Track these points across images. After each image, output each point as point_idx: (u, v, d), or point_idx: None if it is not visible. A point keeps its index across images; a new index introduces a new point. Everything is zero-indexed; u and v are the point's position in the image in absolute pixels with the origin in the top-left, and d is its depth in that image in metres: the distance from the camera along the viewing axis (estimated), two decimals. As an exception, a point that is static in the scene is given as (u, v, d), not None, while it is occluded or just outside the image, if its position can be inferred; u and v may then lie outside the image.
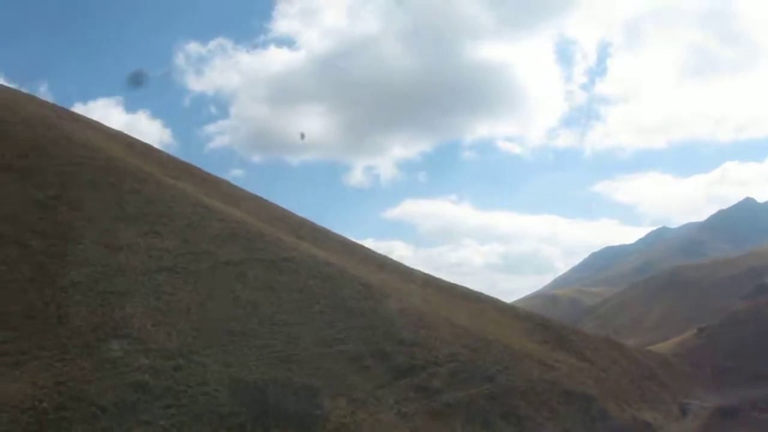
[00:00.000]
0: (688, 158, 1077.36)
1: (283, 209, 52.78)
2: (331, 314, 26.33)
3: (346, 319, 26.02)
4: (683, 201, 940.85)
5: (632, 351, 47.00)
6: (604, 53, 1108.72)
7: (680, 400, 39.27)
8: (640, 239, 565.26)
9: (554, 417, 23.83)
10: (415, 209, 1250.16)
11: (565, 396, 24.07)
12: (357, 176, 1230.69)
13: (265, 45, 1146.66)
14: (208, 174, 52.02)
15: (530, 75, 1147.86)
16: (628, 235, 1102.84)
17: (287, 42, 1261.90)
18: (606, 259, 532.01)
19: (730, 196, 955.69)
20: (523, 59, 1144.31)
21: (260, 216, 43.08)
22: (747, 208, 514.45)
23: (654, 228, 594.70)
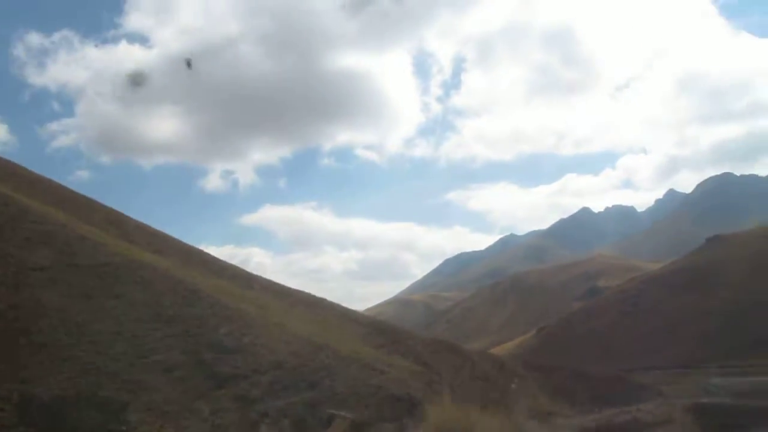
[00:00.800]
0: (533, 170, 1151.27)
1: (120, 213, 49.55)
2: (149, 322, 24.60)
3: (165, 327, 24.40)
4: (529, 210, 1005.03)
5: (470, 353, 48.24)
6: (459, 68, 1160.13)
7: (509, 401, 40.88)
8: (490, 246, 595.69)
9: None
10: (275, 215, 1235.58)
11: (390, 400, 24.03)
12: (214, 181, 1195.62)
13: (115, 40, 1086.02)
14: (37, 175, 47.83)
15: (389, 85, 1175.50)
16: (479, 241, 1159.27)
17: (140, 39, 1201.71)
18: (458, 265, 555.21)
19: (570, 205, 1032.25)
20: (382, 70, 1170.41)
21: (88, 219, 39.89)
22: (584, 217, 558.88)
23: (502, 235, 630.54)
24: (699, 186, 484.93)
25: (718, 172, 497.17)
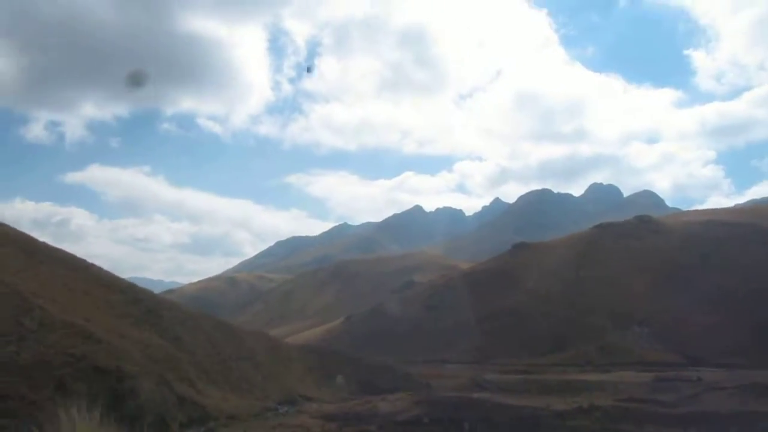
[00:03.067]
0: (375, 163, 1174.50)
1: None
2: None
3: None
4: (366, 201, 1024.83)
5: (243, 334, 46.43)
6: (313, 51, 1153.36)
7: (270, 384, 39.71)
8: (324, 232, 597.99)
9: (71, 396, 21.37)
10: (103, 176, 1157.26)
11: (93, 372, 21.77)
12: (36, 130, 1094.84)
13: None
14: None
15: (241, 59, 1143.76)
16: (315, 227, 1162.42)
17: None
18: (290, 248, 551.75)
19: (405, 202, 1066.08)
20: (235, 41, 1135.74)
21: None
22: (416, 214, 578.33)
23: (337, 223, 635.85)
24: (521, 198, 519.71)
25: (540, 187, 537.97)
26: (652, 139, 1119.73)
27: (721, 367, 74.56)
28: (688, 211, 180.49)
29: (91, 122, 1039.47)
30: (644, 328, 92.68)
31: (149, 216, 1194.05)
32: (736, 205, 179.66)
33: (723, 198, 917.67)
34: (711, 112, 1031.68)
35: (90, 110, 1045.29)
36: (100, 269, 40.79)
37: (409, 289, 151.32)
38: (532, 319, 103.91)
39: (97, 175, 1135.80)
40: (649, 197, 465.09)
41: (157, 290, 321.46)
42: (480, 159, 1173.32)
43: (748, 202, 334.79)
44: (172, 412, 23.45)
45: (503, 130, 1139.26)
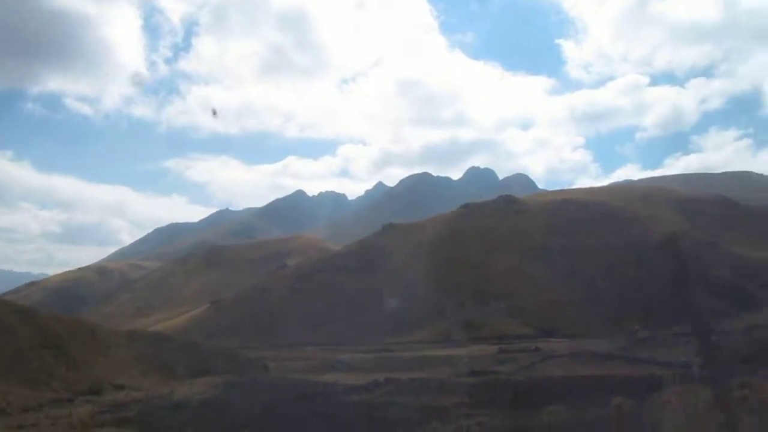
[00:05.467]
0: (256, 147, 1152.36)
1: None
2: None
3: None
4: (248, 187, 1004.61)
5: (53, 320, 42.65)
6: (190, 31, 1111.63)
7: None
8: (204, 219, 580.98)
9: None
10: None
11: None
12: None
13: None
14: None
15: (113, 37, 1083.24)
16: (196, 213, 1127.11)
17: None
18: (169, 235, 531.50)
19: (288, 186, 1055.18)
20: (106, 19, 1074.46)
21: None
22: (298, 199, 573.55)
23: (218, 209, 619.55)
24: (401, 181, 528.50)
25: (422, 171, 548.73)
26: (526, 125, 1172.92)
27: (568, 337, 78.28)
28: (551, 191, 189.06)
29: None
30: (501, 304, 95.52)
31: (13, 204, 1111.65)
32: (592, 187, 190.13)
33: (591, 180, 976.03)
34: (580, 99, 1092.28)
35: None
36: None
37: (281, 273, 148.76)
38: (396, 299, 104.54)
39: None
40: (522, 180, 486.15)
41: (20, 283, 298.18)
42: (363, 143, 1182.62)
43: (611, 183, 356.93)
44: None
45: (386, 115, 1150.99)
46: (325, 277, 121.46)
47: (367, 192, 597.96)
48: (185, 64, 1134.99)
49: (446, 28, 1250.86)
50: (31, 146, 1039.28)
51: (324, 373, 57.45)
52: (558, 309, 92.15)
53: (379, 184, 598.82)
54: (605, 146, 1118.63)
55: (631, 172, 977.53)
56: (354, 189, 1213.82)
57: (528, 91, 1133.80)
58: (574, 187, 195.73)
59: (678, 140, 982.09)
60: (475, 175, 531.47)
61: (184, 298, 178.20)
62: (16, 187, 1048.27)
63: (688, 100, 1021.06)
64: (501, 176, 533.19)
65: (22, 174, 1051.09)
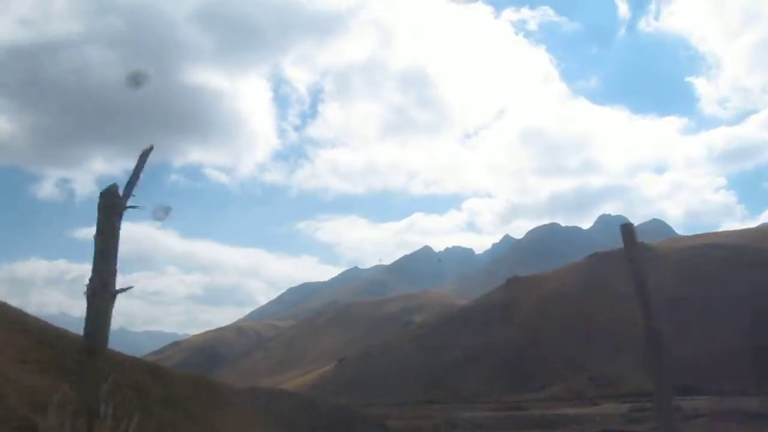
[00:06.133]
0: (383, 206, 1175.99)
1: None
2: None
3: None
4: (376, 245, 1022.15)
5: (178, 378, 44.34)
6: (316, 98, 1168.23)
7: None
8: (334, 277, 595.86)
9: None
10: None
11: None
12: (47, 188, 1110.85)
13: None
14: None
15: (245, 108, 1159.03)
16: (326, 272, 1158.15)
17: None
18: (302, 294, 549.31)
19: (415, 243, 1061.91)
20: (238, 92, 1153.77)
21: None
22: (425, 255, 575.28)
23: (347, 268, 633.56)
24: (529, 233, 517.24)
25: (550, 222, 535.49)
26: (660, 168, 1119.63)
27: (717, 395, 71.60)
28: (689, 236, 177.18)
29: (100, 178, 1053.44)
30: (637, 359, 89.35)
31: (161, 268, 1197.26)
32: (736, 230, 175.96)
33: (737, 223, 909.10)
34: (718, 137, 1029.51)
35: (99, 166, 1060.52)
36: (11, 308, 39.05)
37: (405, 329, 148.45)
38: (523, 355, 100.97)
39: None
40: (658, 225, 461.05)
41: (168, 342, 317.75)
42: (489, 196, 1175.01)
43: (761, 225, 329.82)
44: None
45: (510, 167, 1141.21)
46: (450, 332, 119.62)
47: (494, 245, 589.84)
48: (312, 130, 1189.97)
49: (567, 75, 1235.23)
50: (176, 214, 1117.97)
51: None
52: (704, 363, 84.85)
53: (506, 237, 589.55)
54: (751, 185, 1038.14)
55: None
56: (481, 243, 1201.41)
57: (660, 133, 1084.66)
58: (718, 230, 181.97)
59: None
60: (607, 222, 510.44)
61: (314, 356, 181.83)
62: (164, 253, 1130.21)
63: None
64: (635, 223, 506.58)
65: (169, 241, 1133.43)
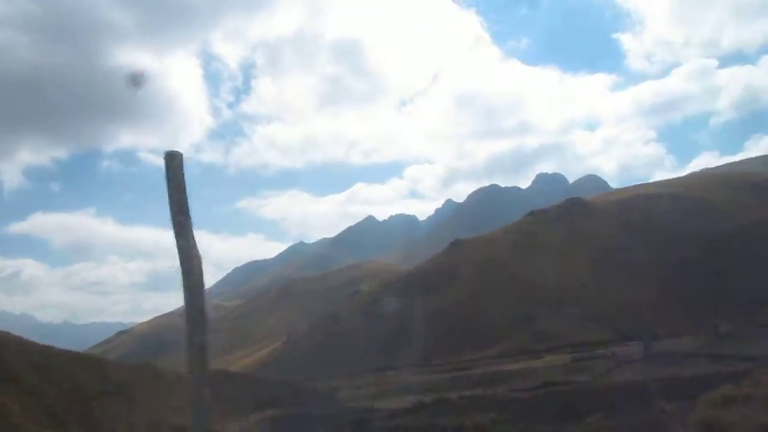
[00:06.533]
0: (324, 178, 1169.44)
1: None
2: None
3: None
4: (320, 218, 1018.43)
5: (118, 367, 43.41)
6: (248, 74, 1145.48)
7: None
8: (280, 254, 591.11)
9: None
10: (48, 223, 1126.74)
11: None
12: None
13: None
14: None
15: (176, 87, 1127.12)
16: (273, 249, 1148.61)
17: None
18: (247, 273, 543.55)
19: (359, 214, 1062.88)
20: (167, 71, 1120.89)
21: None
22: (368, 225, 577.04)
23: (292, 243, 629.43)
24: (470, 196, 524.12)
25: (489, 183, 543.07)
26: (592, 125, 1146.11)
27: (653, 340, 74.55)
28: (622, 189, 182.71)
29: (27, 169, 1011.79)
30: (576, 310, 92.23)
31: (102, 258, 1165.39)
32: (664, 180, 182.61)
33: (668, 174, 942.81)
34: (645, 91, 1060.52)
35: (26, 156, 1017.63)
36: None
37: (351, 300, 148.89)
38: (469, 315, 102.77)
39: (41, 222, 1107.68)
40: (593, 181, 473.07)
41: (112, 332, 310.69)
42: (428, 162, 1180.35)
43: (688, 174, 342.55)
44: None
45: (448, 131, 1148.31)
46: (396, 299, 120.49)
47: (437, 210, 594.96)
48: (247, 106, 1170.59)
49: (498, 37, 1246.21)
50: (112, 202, 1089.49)
51: (397, 397, 56.50)
52: (634, 311, 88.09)
53: (449, 202, 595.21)
54: (679, 136, 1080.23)
55: (709, 161, 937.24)
56: (424, 209, 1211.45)
57: (590, 90, 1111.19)
58: (649, 182, 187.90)
59: (757, 120, 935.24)
60: (545, 181, 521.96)
61: (263, 334, 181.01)
62: (103, 242, 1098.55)
63: (763, 78, 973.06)
64: (571, 180, 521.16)
65: (107, 229, 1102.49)
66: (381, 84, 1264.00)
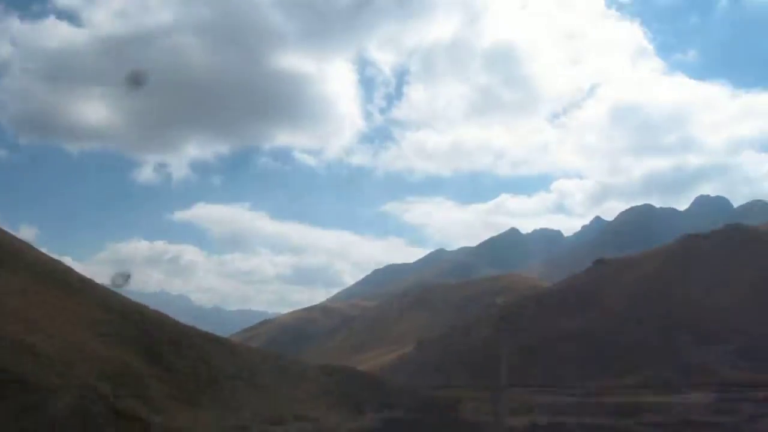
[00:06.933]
0: (469, 187, 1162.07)
1: None
2: None
3: None
4: (462, 226, 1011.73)
5: (250, 352, 45.88)
6: (401, 80, 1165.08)
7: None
8: (420, 259, 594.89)
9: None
10: (208, 213, 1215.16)
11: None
12: (146, 173, 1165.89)
13: (43, 15, 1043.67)
14: None
15: (331, 91, 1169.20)
16: (413, 254, 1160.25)
17: (69, 16, 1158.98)
18: (386, 275, 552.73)
19: (500, 224, 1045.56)
20: (324, 75, 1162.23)
21: None
22: (511, 237, 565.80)
23: (433, 250, 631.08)
24: (620, 215, 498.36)
25: (643, 203, 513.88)
26: (765, 146, 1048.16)
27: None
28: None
29: (194, 162, 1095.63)
30: (729, 346, 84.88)
31: (253, 249, 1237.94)
32: None
33: None
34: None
35: (193, 151, 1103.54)
36: (96, 285, 41.28)
37: (486, 312, 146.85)
38: (605, 340, 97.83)
39: (202, 212, 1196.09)
40: (762, 207, 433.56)
41: (257, 320, 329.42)
42: (579, 177, 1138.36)
43: None
44: (101, 428, 22.71)
45: (602, 146, 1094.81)
46: (532, 315, 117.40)
47: (584, 228, 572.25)
48: (398, 112, 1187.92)
49: (663, 49, 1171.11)
50: (265, 197, 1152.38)
51: (523, 415, 54.98)
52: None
53: (597, 219, 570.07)
54: None
55: None
56: (570, 225, 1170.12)
57: (765, 108, 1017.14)
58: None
59: None
60: (706, 204, 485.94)
61: (396, 337, 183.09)
62: (256, 235, 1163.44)
63: None
64: (736, 204, 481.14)
65: (260, 222, 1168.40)
66: (533, 94, 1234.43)
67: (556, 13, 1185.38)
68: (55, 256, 50.09)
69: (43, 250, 51.09)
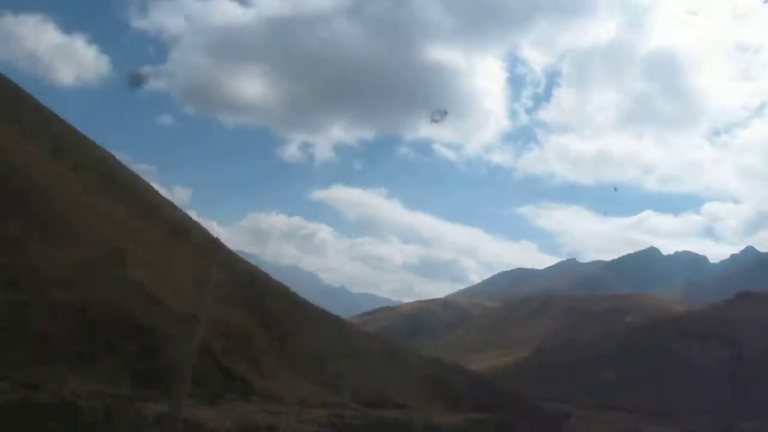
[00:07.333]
0: (611, 199, 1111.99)
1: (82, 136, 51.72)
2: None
3: None
4: (599, 239, 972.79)
5: (361, 334, 47.44)
6: (551, 81, 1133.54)
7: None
8: (549, 267, 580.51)
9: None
10: (345, 195, 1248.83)
11: (126, 328, 24.11)
12: (291, 150, 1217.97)
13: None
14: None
15: (478, 87, 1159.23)
16: (543, 261, 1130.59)
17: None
18: (513, 278, 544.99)
19: (640, 242, 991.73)
20: (473, 70, 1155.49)
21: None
22: (650, 256, 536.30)
23: (564, 259, 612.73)
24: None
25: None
26: None
27: None
28: None
29: (337, 145, 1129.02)
30: None
31: (384, 236, 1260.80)
32: None
33: None
34: None
35: (338, 133, 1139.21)
36: (225, 249, 44.03)
37: (610, 329, 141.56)
38: (736, 377, 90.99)
39: (339, 194, 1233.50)
40: None
41: (379, 306, 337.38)
42: (734, 201, 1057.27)
43: None
44: (207, 382, 24.88)
45: (764, 170, 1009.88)
46: (660, 340, 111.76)
47: (733, 256, 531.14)
48: (544, 113, 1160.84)
49: None
50: (401, 185, 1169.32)
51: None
52: None
53: (749, 249, 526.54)
54: None
55: None
56: (718, 252, 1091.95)
57: None
58: None
59: None
60: None
61: (514, 341, 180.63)
62: (388, 222, 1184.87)
63: None
64: None
65: (393, 210, 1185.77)
66: (693, 108, 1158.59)
67: (729, 22, 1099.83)
68: (202, 219, 54.38)
69: (193, 212, 55.38)
